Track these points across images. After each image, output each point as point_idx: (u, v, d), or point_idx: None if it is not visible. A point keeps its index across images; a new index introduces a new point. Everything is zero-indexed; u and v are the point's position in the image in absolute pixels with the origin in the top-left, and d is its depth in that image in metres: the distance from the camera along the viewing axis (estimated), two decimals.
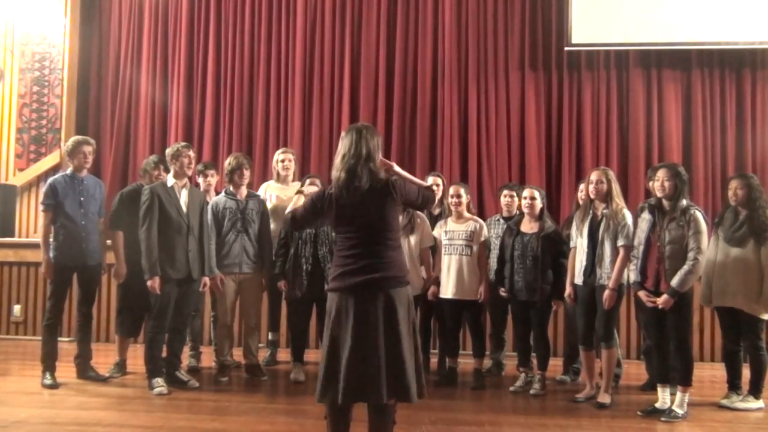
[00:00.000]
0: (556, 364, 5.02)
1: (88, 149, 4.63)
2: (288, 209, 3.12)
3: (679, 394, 3.98)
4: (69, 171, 4.67)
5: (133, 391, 4.47)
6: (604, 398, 4.22)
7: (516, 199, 4.95)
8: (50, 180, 4.72)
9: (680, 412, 3.94)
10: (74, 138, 4.78)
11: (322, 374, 2.82)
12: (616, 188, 4.25)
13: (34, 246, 5.61)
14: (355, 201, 2.83)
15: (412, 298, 3.00)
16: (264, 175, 6.28)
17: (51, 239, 4.59)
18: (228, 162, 4.95)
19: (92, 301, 4.80)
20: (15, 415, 3.84)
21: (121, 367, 4.90)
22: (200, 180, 5.26)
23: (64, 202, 4.55)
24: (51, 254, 4.55)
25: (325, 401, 2.83)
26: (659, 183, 4.03)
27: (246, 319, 4.97)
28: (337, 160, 2.90)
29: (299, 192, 3.31)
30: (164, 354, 4.54)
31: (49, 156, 6.81)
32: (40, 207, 4.78)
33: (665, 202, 4.02)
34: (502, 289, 4.65)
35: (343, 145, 2.90)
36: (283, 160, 5.35)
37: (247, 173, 4.91)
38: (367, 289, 2.80)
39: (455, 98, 6.57)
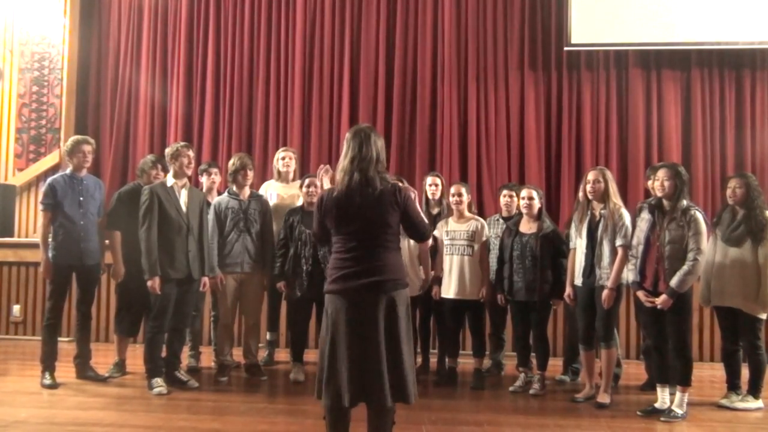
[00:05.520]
0: (555, 364, 5.03)
1: (87, 149, 4.63)
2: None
3: (678, 394, 3.99)
4: (68, 171, 4.67)
5: (133, 391, 4.47)
6: (604, 398, 4.22)
7: (515, 199, 4.94)
8: (49, 180, 4.72)
9: (680, 412, 3.94)
10: (73, 138, 4.78)
11: (324, 375, 2.82)
12: (613, 188, 4.25)
13: (33, 246, 5.61)
14: (359, 203, 2.83)
15: (410, 300, 3.00)
16: (263, 174, 6.28)
17: (50, 239, 4.59)
18: (231, 162, 4.96)
19: (91, 300, 4.80)
20: (15, 415, 3.84)
21: (120, 367, 4.89)
22: (203, 179, 5.27)
23: (63, 202, 4.55)
24: (50, 254, 4.54)
25: (325, 402, 2.82)
26: (659, 183, 4.03)
27: (246, 319, 4.97)
28: (345, 162, 2.87)
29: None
30: (164, 354, 4.54)
31: (49, 156, 6.80)
32: (39, 207, 4.78)
33: (665, 202, 4.02)
34: (501, 296, 4.66)
35: (351, 147, 2.87)
36: (283, 158, 5.37)
37: (250, 174, 4.92)
38: (368, 293, 2.80)
39: (455, 98, 6.57)
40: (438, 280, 4.74)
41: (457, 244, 4.67)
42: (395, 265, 2.89)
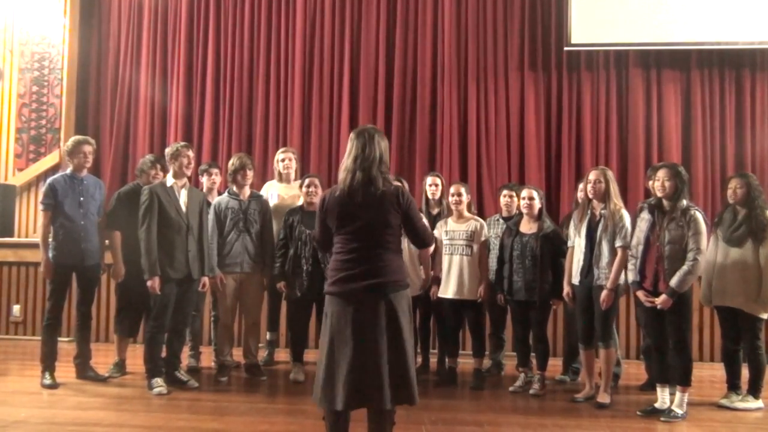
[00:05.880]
0: (555, 364, 5.03)
1: (88, 149, 4.63)
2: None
3: (678, 394, 3.99)
4: (69, 171, 4.67)
5: (133, 391, 4.47)
6: (604, 398, 4.22)
7: (515, 199, 4.94)
8: (50, 180, 4.72)
9: (680, 412, 3.94)
10: (74, 138, 4.77)
11: (322, 378, 2.81)
12: (614, 188, 4.24)
13: (33, 246, 5.61)
14: (361, 202, 2.82)
15: (411, 301, 3.00)
16: (263, 175, 6.28)
17: (50, 239, 4.58)
18: (231, 162, 4.96)
19: (91, 301, 4.80)
20: (15, 415, 3.84)
21: (120, 367, 4.90)
22: (204, 179, 5.28)
23: (64, 202, 4.54)
24: (50, 254, 4.54)
25: (324, 405, 2.81)
26: (659, 183, 4.03)
27: (246, 319, 4.97)
28: (348, 161, 2.86)
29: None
30: (164, 354, 4.54)
31: (49, 156, 6.80)
32: (40, 207, 4.78)
33: (665, 202, 4.02)
34: (500, 296, 4.66)
35: (355, 146, 2.86)
36: (283, 159, 5.36)
37: (250, 173, 4.92)
38: (369, 295, 2.79)
39: (455, 98, 6.57)
40: (437, 280, 4.74)
41: (456, 244, 4.67)
42: (396, 266, 2.88)
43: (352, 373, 2.74)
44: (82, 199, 4.60)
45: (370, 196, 2.82)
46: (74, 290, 4.78)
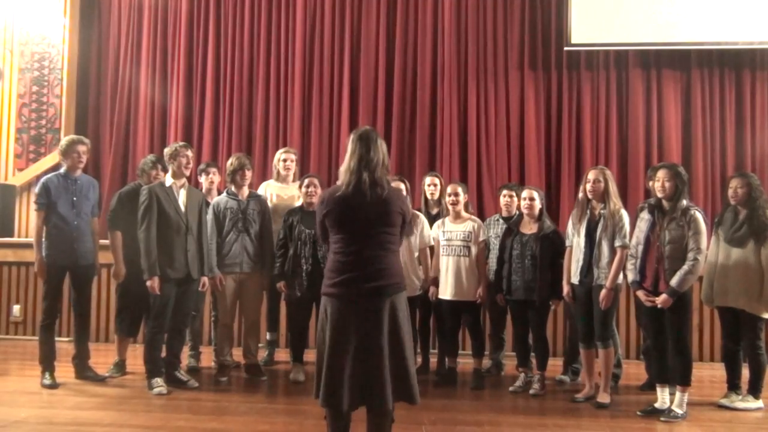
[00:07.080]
0: (555, 364, 5.03)
1: (82, 149, 4.61)
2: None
3: (678, 394, 3.99)
4: (62, 170, 4.65)
5: (132, 391, 4.47)
6: (604, 398, 4.22)
7: (515, 199, 4.94)
8: (43, 179, 4.68)
9: (679, 411, 3.94)
10: (68, 137, 4.76)
11: (324, 379, 2.80)
12: (613, 188, 4.24)
13: (33, 246, 5.61)
14: (365, 203, 2.82)
15: (408, 301, 3.00)
16: (264, 175, 6.29)
17: (44, 239, 4.57)
18: (230, 162, 4.96)
19: (87, 301, 4.78)
20: (14, 415, 3.84)
21: (120, 367, 4.90)
22: (202, 179, 5.27)
23: (57, 202, 4.53)
24: (43, 254, 4.53)
25: (328, 406, 2.80)
26: (659, 183, 4.03)
27: (246, 319, 4.97)
28: (352, 162, 2.84)
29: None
30: (164, 354, 4.54)
31: (49, 156, 6.80)
32: (33, 206, 4.75)
33: (665, 203, 4.02)
34: (500, 296, 4.66)
35: (359, 148, 2.85)
36: (284, 159, 5.36)
37: (248, 173, 4.91)
38: (372, 297, 2.79)
39: (455, 98, 6.57)
40: (435, 281, 4.74)
41: (453, 245, 4.66)
42: (396, 269, 2.89)
43: (355, 373, 2.74)
44: (75, 198, 4.59)
45: (376, 197, 2.82)
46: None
